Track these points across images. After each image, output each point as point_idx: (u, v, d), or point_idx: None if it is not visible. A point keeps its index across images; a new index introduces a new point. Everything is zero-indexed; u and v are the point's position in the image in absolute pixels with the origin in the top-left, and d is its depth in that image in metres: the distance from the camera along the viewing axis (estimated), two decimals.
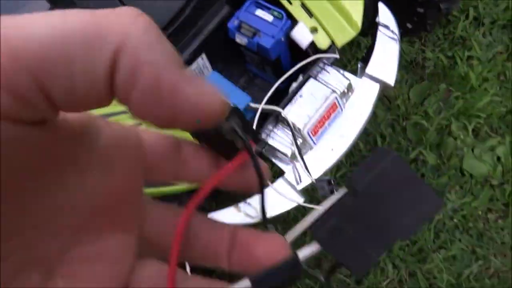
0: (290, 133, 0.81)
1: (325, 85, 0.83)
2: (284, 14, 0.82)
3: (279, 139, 0.83)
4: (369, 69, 0.85)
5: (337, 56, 0.83)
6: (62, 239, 0.16)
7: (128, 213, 0.17)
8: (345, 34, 0.84)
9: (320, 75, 0.86)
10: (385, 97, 1.35)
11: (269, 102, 0.83)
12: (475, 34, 1.36)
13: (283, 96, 0.84)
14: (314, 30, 0.83)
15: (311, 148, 0.83)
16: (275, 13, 0.82)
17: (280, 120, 0.84)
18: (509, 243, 1.18)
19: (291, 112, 0.82)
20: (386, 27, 0.88)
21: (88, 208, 0.16)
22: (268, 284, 0.16)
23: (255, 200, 0.80)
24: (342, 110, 0.84)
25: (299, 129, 0.81)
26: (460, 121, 1.29)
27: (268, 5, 0.83)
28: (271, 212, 0.79)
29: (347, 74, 0.86)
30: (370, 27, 0.92)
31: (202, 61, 0.88)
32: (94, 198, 0.16)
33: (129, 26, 0.13)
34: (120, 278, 0.17)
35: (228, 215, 0.79)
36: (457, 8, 1.36)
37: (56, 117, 0.14)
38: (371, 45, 0.89)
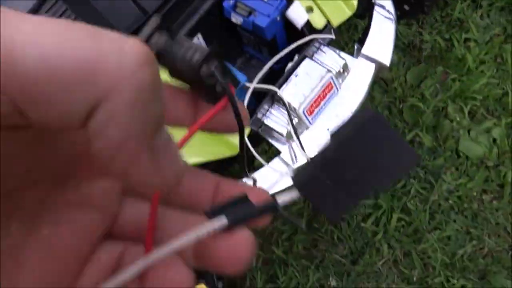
0: (286, 112, 0.82)
1: (320, 64, 0.83)
2: None
3: (275, 119, 0.84)
4: (364, 49, 0.86)
5: (332, 36, 0.83)
6: (44, 187, 0.16)
7: None
8: (340, 13, 0.84)
9: (315, 55, 0.86)
10: (382, 79, 1.35)
11: (265, 83, 0.84)
12: (473, 16, 1.36)
13: (279, 77, 0.84)
14: (309, 10, 0.83)
15: (307, 127, 0.84)
16: None
17: (276, 100, 0.85)
18: (503, 224, 1.19)
19: (286, 91, 0.82)
20: (382, 7, 0.88)
21: (70, 155, 0.16)
22: (243, 220, 0.17)
23: (257, 175, 0.81)
24: (338, 90, 0.85)
25: (294, 108, 0.81)
26: (457, 103, 1.29)
27: None
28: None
29: (343, 54, 0.87)
30: (367, 8, 0.92)
31: (198, 41, 0.88)
32: (74, 146, 0.16)
33: (125, 78, 0.12)
34: (104, 222, 0.17)
35: None
36: None
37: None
38: (367, 25, 0.89)
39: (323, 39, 0.86)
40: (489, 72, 1.30)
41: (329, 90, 0.84)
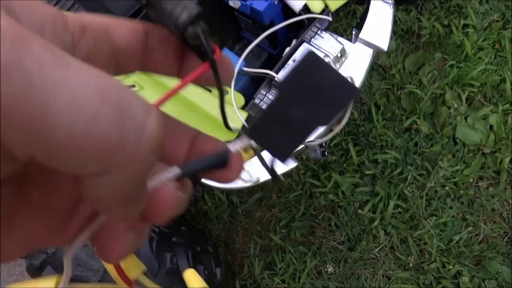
0: None
1: (318, 49, 0.83)
2: None
3: None
4: (362, 34, 0.85)
5: (329, 18, 0.82)
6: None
7: None
8: None
9: (313, 40, 0.85)
10: (380, 66, 1.35)
11: (263, 68, 0.83)
12: (471, 2, 1.35)
13: (277, 62, 0.84)
14: None
15: None
16: None
17: (273, 85, 0.84)
18: (499, 210, 1.20)
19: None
20: None
21: None
22: (196, 169, 0.18)
23: (248, 164, 0.80)
24: None
25: None
26: (454, 90, 1.29)
27: None
28: (266, 176, 0.80)
29: (340, 39, 0.86)
30: None
31: None
32: None
33: (137, 162, 0.13)
34: None
35: None
36: None
37: None
38: (365, 10, 0.88)
39: (321, 23, 0.85)
40: (487, 59, 1.30)
41: None
